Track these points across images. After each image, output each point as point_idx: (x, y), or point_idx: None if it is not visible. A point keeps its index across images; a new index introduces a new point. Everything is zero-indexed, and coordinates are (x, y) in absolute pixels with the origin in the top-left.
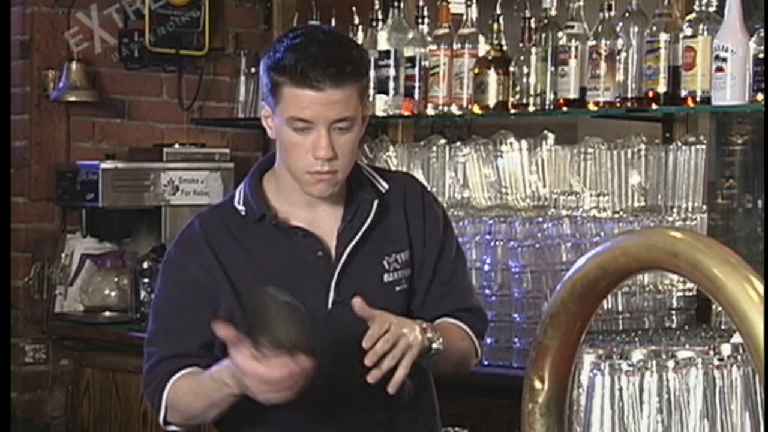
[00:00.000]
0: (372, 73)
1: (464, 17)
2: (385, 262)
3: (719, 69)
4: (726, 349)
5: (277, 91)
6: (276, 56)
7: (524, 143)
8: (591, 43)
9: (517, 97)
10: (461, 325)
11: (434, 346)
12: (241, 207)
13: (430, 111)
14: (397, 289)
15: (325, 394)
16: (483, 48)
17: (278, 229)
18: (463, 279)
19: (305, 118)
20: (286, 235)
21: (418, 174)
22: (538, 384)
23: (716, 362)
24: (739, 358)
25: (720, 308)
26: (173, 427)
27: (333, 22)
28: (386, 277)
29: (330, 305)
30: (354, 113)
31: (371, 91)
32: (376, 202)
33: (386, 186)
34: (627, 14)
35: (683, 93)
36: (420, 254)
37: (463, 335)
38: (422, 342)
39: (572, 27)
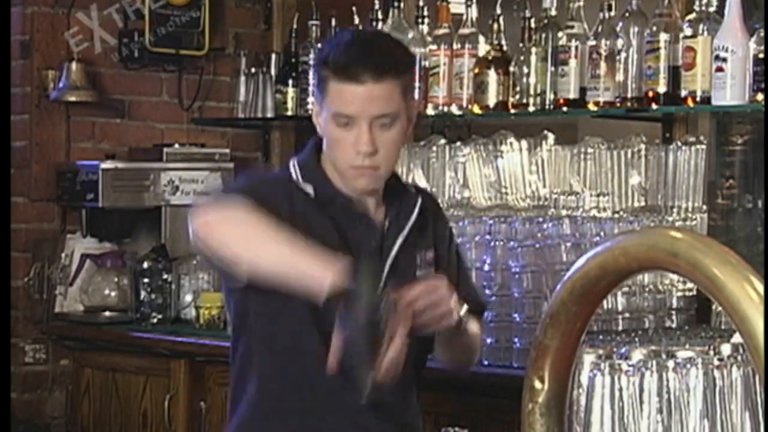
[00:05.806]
0: None
1: (464, 17)
2: (417, 258)
3: (719, 69)
4: (726, 349)
5: (324, 86)
6: (323, 53)
7: (524, 143)
8: (591, 43)
9: (517, 97)
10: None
11: (461, 313)
12: (308, 189)
13: (430, 111)
14: None
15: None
16: (483, 48)
17: (346, 214)
18: (472, 282)
19: (348, 113)
20: (351, 221)
21: (419, 174)
22: (538, 384)
23: (716, 362)
24: (739, 358)
25: (720, 308)
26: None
27: (333, 22)
28: (418, 272)
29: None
30: (396, 110)
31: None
32: (419, 200)
33: (413, 190)
34: (627, 14)
35: (683, 93)
36: (444, 257)
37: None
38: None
39: (572, 27)
